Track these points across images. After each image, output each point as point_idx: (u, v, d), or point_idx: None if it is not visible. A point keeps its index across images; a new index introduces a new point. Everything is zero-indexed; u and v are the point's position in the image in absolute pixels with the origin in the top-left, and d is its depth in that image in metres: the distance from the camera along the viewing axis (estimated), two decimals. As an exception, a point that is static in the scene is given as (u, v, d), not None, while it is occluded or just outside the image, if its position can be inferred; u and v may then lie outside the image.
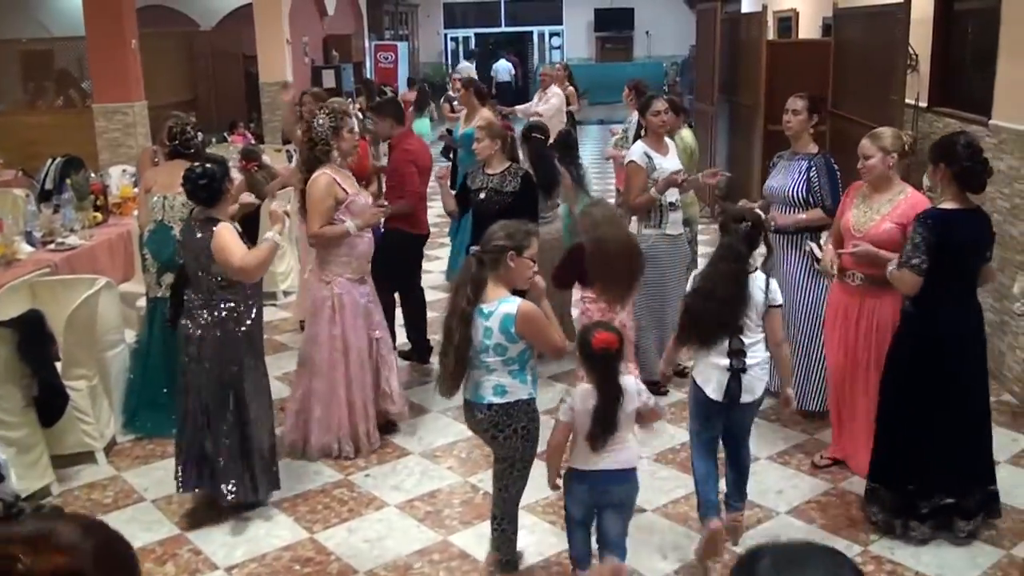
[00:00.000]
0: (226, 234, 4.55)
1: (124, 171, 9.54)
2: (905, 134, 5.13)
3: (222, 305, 4.66)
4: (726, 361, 4.08)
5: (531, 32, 27.53)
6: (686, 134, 7.39)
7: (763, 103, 10.14)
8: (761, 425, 5.68)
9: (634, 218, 6.17)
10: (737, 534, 4.37)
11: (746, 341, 4.11)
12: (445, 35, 27.33)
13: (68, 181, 8.27)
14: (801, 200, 5.62)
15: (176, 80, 15.80)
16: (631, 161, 6.09)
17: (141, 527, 4.76)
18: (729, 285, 4.07)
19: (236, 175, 4.81)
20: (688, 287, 4.35)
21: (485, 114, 8.46)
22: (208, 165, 4.67)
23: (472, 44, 27.61)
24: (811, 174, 5.59)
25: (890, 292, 4.63)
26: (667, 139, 6.32)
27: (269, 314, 8.08)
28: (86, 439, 5.41)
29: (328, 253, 5.31)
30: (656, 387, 6.17)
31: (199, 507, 4.93)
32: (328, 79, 17.92)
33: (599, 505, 3.86)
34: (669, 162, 6.15)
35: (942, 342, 4.28)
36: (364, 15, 21.79)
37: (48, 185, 8.76)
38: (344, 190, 5.23)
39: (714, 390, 4.11)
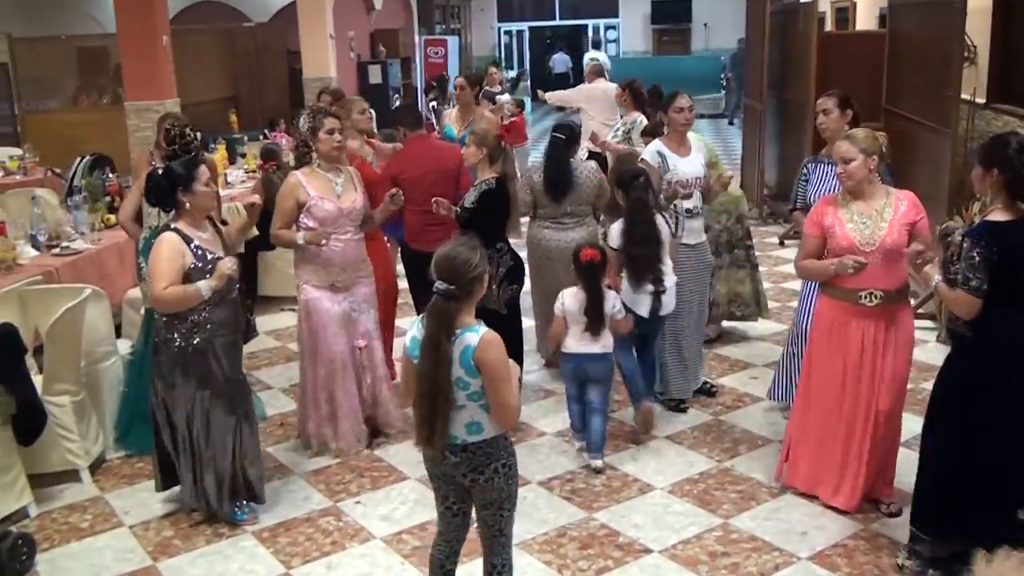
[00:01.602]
0: (161, 250, 4.30)
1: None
2: (881, 134, 4.71)
3: (161, 319, 4.47)
4: (651, 287, 5.28)
5: (586, 25, 27.01)
6: (692, 136, 6.88)
7: (814, 99, 9.59)
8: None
9: None
10: (648, 426, 5.50)
11: (664, 269, 5.32)
12: (498, 28, 26.94)
13: (84, 181, 8.08)
14: None
15: (217, 77, 15.64)
16: (641, 159, 5.67)
17: (114, 556, 4.49)
18: (651, 230, 5.26)
19: (201, 188, 4.41)
20: (615, 242, 5.31)
21: (487, 116, 8.04)
22: (173, 168, 4.38)
23: (527, 38, 27.19)
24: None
25: (906, 309, 4.42)
26: (690, 136, 5.86)
27: (288, 320, 7.81)
28: (69, 457, 5.15)
29: (297, 258, 5.24)
30: (679, 404, 5.83)
31: (176, 535, 4.64)
32: (374, 75, 17.67)
33: (586, 379, 5.20)
34: (688, 164, 5.68)
35: (1011, 365, 3.78)
36: (414, 9, 21.50)
37: (76, 184, 8.57)
38: (308, 193, 5.01)
39: (644, 309, 5.33)
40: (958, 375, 3.91)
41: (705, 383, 6.10)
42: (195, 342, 4.45)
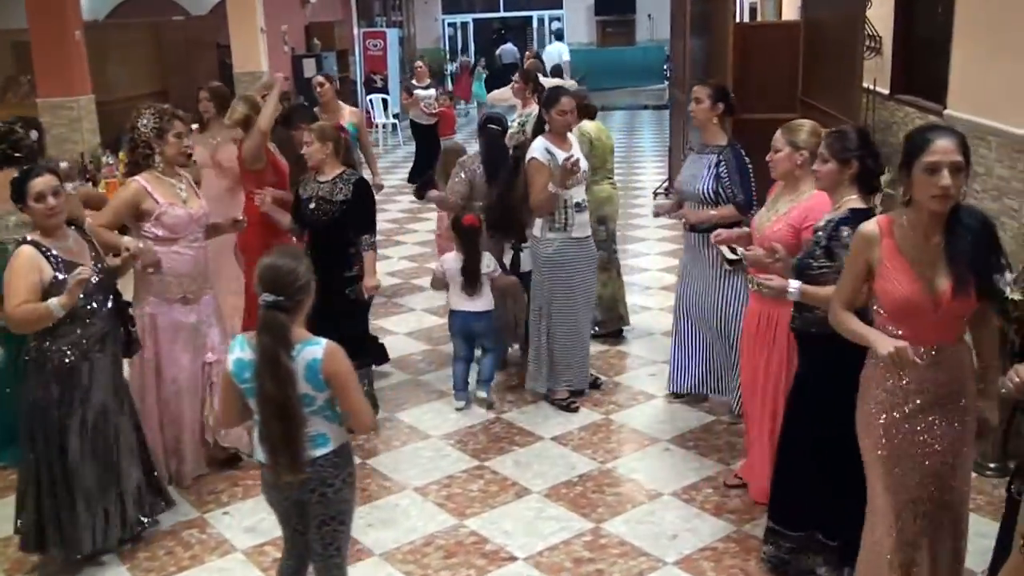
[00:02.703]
0: (14, 264, 4.01)
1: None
2: (825, 132, 4.59)
3: (32, 336, 4.16)
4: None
5: (531, 17, 26.87)
6: (589, 127, 6.79)
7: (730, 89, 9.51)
8: (675, 453, 5.13)
9: (538, 220, 5.62)
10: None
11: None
12: (443, 20, 26.72)
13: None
14: (711, 196, 5.19)
15: (144, 72, 15.30)
16: (532, 158, 5.53)
17: (-36, 574, 4.31)
18: (519, 181, 5.55)
19: (32, 203, 4.07)
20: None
21: (345, 113, 7.86)
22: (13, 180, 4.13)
23: (471, 30, 27.00)
24: (720, 168, 5.15)
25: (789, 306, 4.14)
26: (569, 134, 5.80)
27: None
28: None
29: (141, 269, 4.72)
30: (566, 402, 5.78)
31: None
32: (309, 68, 17.42)
33: (472, 335, 5.83)
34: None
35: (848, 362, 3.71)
36: (353, 2, 21.22)
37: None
38: (156, 200, 4.66)
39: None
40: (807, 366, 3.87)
41: (592, 376, 6.03)
42: (67, 360, 4.14)
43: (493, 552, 4.28)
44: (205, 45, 16.81)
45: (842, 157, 3.71)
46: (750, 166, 5.22)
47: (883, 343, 3.04)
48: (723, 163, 5.13)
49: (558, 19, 26.54)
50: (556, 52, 21.16)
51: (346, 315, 5.26)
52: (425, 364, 6.58)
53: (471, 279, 5.68)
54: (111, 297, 4.35)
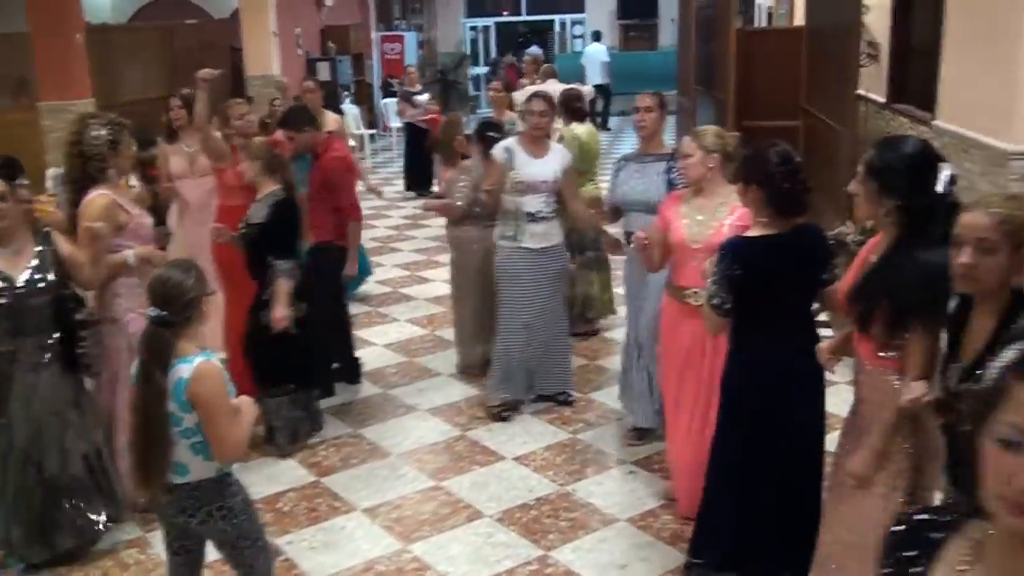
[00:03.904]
0: None
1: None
2: (730, 135, 4.48)
3: None
4: None
5: (553, 20, 26.66)
6: (580, 130, 6.68)
7: (733, 97, 9.33)
8: (639, 476, 4.95)
9: (496, 226, 5.54)
10: None
11: None
12: (464, 24, 26.58)
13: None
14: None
15: (155, 75, 15.30)
16: (490, 153, 5.48)
17: None
18: None
19: None
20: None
21: (328, 120, 7.67)
22: None
23: (493, 33, 26.85)
24: (671, 175, 4.95)
25: None
26: (558, 145, 5.72)
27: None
28: None
29: (116, 285, 4.53)
30: (497, 410, 5.70)
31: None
32: (323, 72, 17.37)
33: None
34: (537, 166, 5.43)
35: (764, 387, 3.58)
36: (371, 4, 21.14)
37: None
38: (127, 212, 4.52)
39: None
40: (728, 393, 3.72)
41: (562, 394, 5.87)
42: None
43: (433, 580, 4.12)
44: (219, 48, 16.76)
45: (747, 179, 3.58)
46: None
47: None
48: (675, 171, 4.97)
49: (580, 23, 26.34)
50: (596, 53, 21.03)
51: (259, 338, 5.10)
52: (398, 377, 6.43)
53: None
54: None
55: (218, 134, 6.28)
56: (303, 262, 5.28)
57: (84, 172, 4.50)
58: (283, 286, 4.98)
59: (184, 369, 2.99)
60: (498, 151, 5.43)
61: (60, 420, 4.27)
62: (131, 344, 4.53)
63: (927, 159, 2.96)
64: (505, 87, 9.53)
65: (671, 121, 18.02)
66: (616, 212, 5.28)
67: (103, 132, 4.49)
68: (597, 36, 22.20)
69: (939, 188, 2.87)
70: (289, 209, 5.12)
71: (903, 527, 1.49)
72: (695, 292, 4.18)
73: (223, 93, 16.61)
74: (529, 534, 4.45)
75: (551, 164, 5.45)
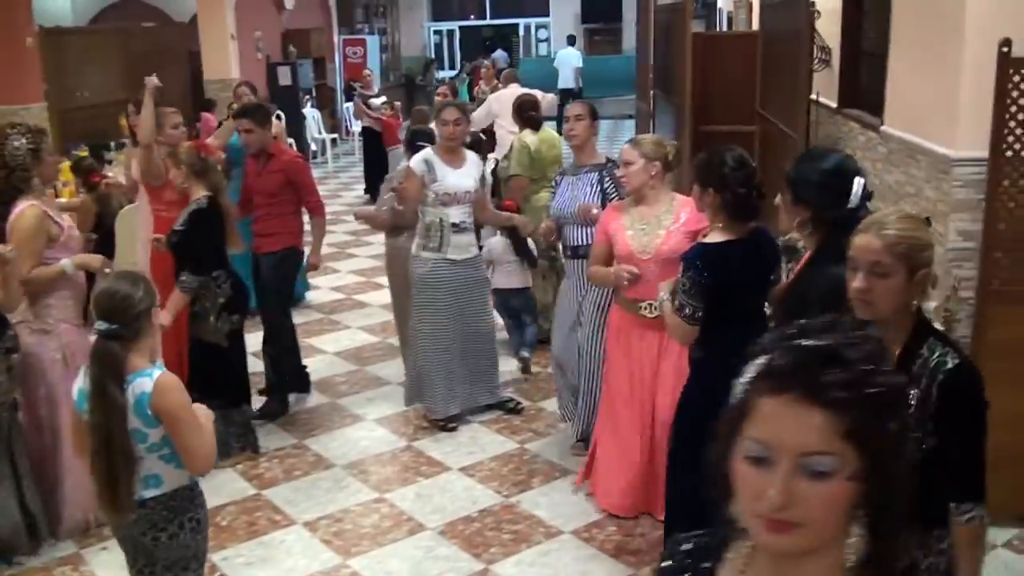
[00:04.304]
0: None
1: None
2: (669, 143, 4.50)
3: None
4: None
5: (517, 24, 26.65)
6: (530, 139, 6.65)
7: (689, 101, 9.30)
8: (586, 486, 4.87)
9: (415, 239, 5.51)
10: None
11: None
12: (428, 28, 26.50)
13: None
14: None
15: (112, 78, 15.09)
16: (407, 167, 5.41)
17: None
18: None
19: None
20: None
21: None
22: None
23: (457, 37, 26.78)
24: (605, 185, 4.97)
25: None
26: (471, 152, 5.66)
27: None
28: None
29: (47, 296, 4.41)
30: (445, 424, 5.61)
31: None
32: (284, 76, 17.22)
33: (512, 311, 6.50)
34: (457, 177, 5.39)
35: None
36: (333, 8, 20.99)
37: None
38: (58, 223, 4.42)
39: None
40: (694, 398, 3.65)
41: (510, 401, 5.85)
42: None
43: (370, 596, 4.04)
44: (176, 52, 16.58)
45: (703, 183, 3.55)
46: None
47: None
48: (609, 180, 4.96)
49: (545, 27, 26.36)
50: (568, 57, 20.98)
51: (192, 353, 5.02)
52: (347, 386, 6.34)
53: (523, 252, 6.21)
54: None
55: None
56: (231, 273, 5.13)
57: (8, 183, 4.37)
58: (174, 298, 4.83)
59: (144, 383, 2.93)
60: (416, 162, 5.37)
61: None
62: (65, 356, 4.46)
63: (842, 173, 2.93)
64: (453, 92, 9.42)
65: (630, 126, 18.17)
66: (558, 227, 5.22)
67: (23, 141, 4.38)
68: (572, 40, 22.23)
69: (852, 202, 2.84)
70: (205, 219, 4.94)
71: (671, 562, 1.46)
72: (648, 304, 4.16)
73: (184, 98, 16.53)
74: (471, 547, 4.37)
75: (470, 173, 5.44)
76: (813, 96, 7.21)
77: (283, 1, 18.17)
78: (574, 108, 5.06)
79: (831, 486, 1.20)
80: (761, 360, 1.27)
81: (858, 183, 2.87)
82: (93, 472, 3.02)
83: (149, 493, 3.03)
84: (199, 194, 4.96)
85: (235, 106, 7.39)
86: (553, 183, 5.35)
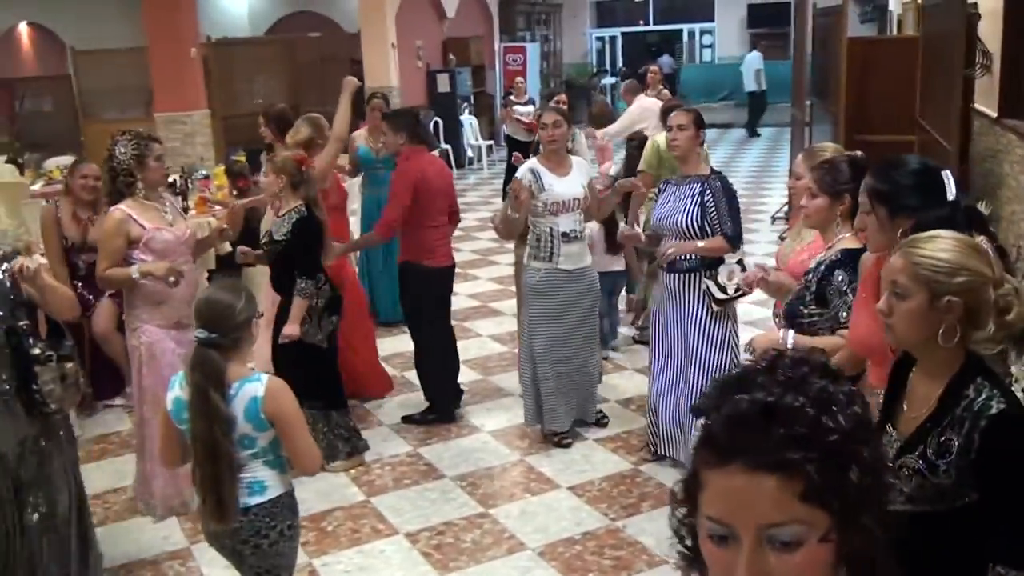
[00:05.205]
0: None
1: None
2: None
3: None
4: None
5: (681, 30, 26.25)
6: (661, 138, 6.47)
7: (843, 109, 8.88)
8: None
9: (526, 248, 5.42)
10: None
11: None
12: (590, 34, 26.42)
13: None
14: (696, 229, 4.79)
15: (277, 87, 15.68)
16: (515, 178, 5.31)
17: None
18: None
19: None
20: None
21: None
22: None
23: (619, 44, 26.59)
24: (705, 198, 4.76)
25: None
26: (576, 157, 5.58)
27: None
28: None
29: (134, 296, 4.64)
30: (558, 437, 5.51)
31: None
32: (443, 84, 17.51)
33: (611, 292, 6.80)
34: (565, 185, 5.26)
35: None
36: (495, 16, 21.19)
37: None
38: (141, 226, 4.56)
39: None
40: None
41: (599, 413, 5.72)
42: None
43: (460, 614, 3.97)
44: (339, 61, 17.07)
45: (832, 191, 3.33)
46: (738, 197, 4.91)
47: None
48: (709, 193, 4.73)
49: (710, 32, 25.86)
50: (752, 61, 20.71)
51: (287, 355, 4.99)
52: (468, 396, 6.29)
53: (611, 241, 6.45)
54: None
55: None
56: (327, 276, 5.17)
57: (114, 187, 4.65)
58: (298, 304, 4.90)
59: (254, 388, 3.00)
60: (523, 172, 5.28)
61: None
62: (141, 355, 4.65)
63: (930, 170, 2.69)
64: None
65: (786, 134, 17.60)
66: (657, 236, 5.06)
67: (129, 148, 4.57)
68: (754, 44, 21.93)
69: (950, 195, 2.58)
70: (307, 226, 4.96)
71: None
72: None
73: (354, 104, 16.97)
74: (568, 571, 4.25)
75: (577, 180, 5.33)
76: (977, 106, 6.74)
77: (444, 10, 18.44)
78: (678, 118, 4.86)
79: (803, 554, 1.06)
80: (701, 423, 1.12)
81: (947, 175, 2.62)
82: (195, 481, 3.06)
83: (254, 500, 3.07)
84: (293, 204, 5.00)
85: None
86: (657, 189, 5.18)
